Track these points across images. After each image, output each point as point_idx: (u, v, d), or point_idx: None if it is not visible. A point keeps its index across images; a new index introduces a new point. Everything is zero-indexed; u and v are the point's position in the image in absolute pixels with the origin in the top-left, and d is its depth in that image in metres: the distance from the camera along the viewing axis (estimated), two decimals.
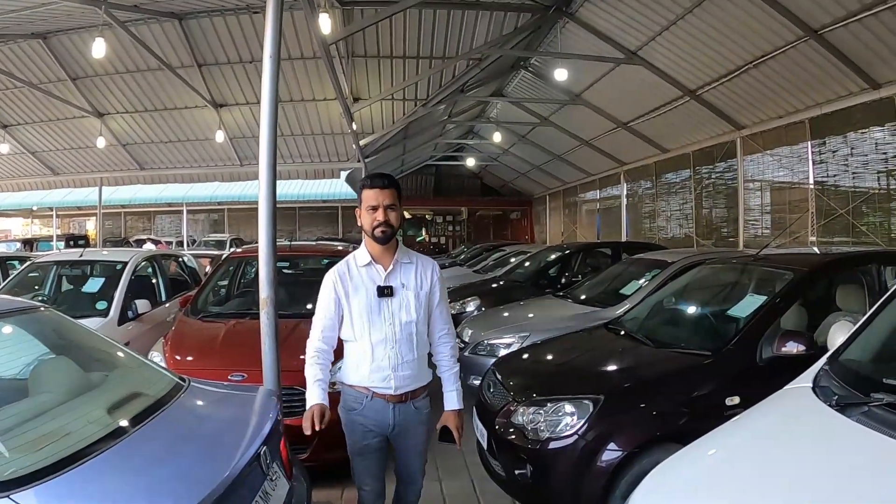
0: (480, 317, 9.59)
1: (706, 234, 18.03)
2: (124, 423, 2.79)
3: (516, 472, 4.53)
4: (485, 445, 5.04)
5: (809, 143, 13.28)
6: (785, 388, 3.04)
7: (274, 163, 4.23)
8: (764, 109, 14.14)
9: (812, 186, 13.33)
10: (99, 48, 12.86)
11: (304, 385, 5.46)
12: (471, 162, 34.55)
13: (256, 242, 4.34)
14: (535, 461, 4.42)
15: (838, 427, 2.47)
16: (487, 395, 5.38)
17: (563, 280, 11.84)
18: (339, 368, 3.79)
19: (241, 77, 18.04)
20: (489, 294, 11.56)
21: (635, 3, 12.72)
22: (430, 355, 3.83)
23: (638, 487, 2.81)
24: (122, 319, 7.72)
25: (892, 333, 3.07)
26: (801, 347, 4.37)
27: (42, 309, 3.76)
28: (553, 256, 13.31)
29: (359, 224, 3.69)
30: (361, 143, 19.39)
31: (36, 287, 9.12)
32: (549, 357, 6.00)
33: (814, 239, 13.14)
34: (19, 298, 4.03)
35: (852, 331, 3.14)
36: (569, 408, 4.42)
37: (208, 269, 11.90)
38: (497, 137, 25.74)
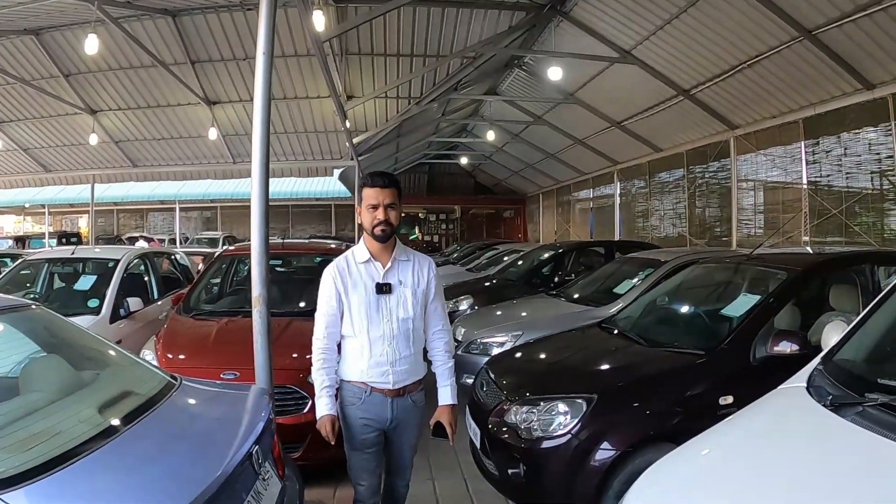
0: (473, 315, 9.57)
1: (699, 233, 18.05)
2: (116, 421, 2.77)
3: (509, 471, 4.53)
4: (478, 444, 5.03)
5: (803, 143, 13.30)
6: (779, 387, 3.04)
7: (267, 160, 4.22)
8: (758, 109, 14.16)
9: (805, 186, 13.35)
10: (92, 45, 12.79)
11: (296, 383, 5.51)
12: (464, 160, 34.58)
13: (249, 240, 4.32)
14: (529, 460, 4.41)
15: (833, 427, 2.47)
16: (480, 394, 5.37)
17: (557, 279, 11.85)
18: (338, 364, 3.81)
19: (234, 74, 17.98)
20: (482, 292, 11.55)
21: (630, 2, 12.72)
22: (425, 350, 3.88)
23: (632, 487, 2.80)
24: (114, 317, 7.68)
25: (886, 333, 3.07)
26: (795, 347, 4.37)
27: (33, 307, 3.73)
28: (546, 255, 13.33)
29: (358, 221, 3.76)
30: (355, 140, 19.37)
31: (28, 285, 9.09)
32: (543, 356, 6.00)
33: (807, 239, 13.17)
34: (10, 296, 4.00)
35: (846, 331, 3.14)
36: (562, 407, 4.41)
37: (201, 266, 11.86)
38: (491, 136, 25.74)
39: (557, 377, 5.22)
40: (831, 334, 3.29)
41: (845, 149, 12.28)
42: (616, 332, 5.86)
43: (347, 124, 17.75)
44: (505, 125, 25.03)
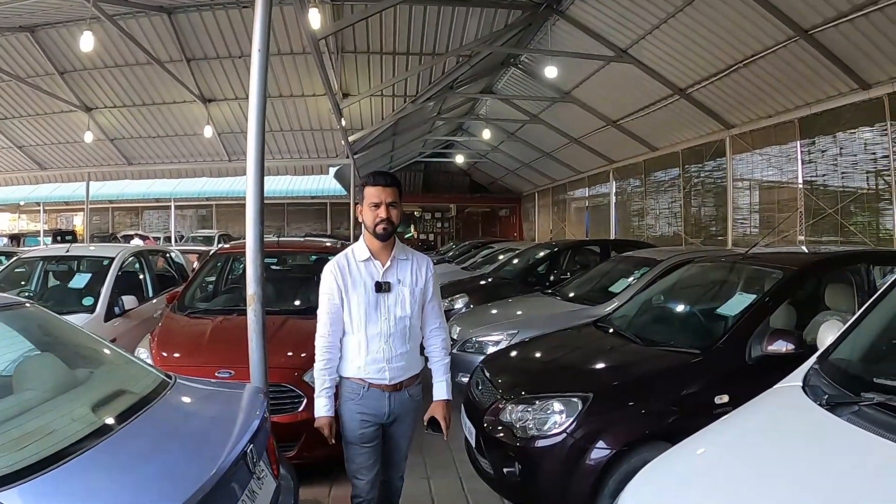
0: (469, 314, 9.57)
1: (695, 232, 18.08)
2: (110, 420, 2.76)
3: (505, 470, 4.52)
4: (473, 443, 5.02)
5: (799, 142, 13.34)
6: (775, 386, 3.03)
7: (262, 158, 4.21)
8: (753, 109, 14.19)
9: (801, 186, 13.38)
10: (87, 42, 12.74)
11: (291, 382, 5.51)
12: (460, 159, 34.59)
13: (244, 238, 4.31)
14: (524, 459, 4.40)
15: (829, 426, 2.46)
16: (476, 392, 5.36)
17: (552, 277, 11.83)
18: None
19: (229, 72, 17.98)
20: (478, 291, 11.53)
21: (626, 1, 12.75)
22: (422, 345, 3.94)
23: (627, 486, 2.80)
24: (109, 316, 7.65)
25: (882, 333, 3.06)
26: (791, 346, 4.37)
27: (27, 305, 3.72)
28: (542, 254, 13.31)
29: (359, 220, 3.78)
30: (350, 139, 19.37)
31: (22, 283, 9.06)
32: (538, 355, 6.00)
33: (802, 238, 13.19)
34: (4, 294, 3.99)
35: (842, 330, 3.14)
36: (557, 406, 4.40)
37: (196, 265, 11.84)
38: (486, 134, 25.82)
39: (553, 376, 5.21)
40: (827, 333, 3.29)
41: (841, 148, 12.32)
42: (611, 330, 5.86)
43: (343, 122, 17.76)
44: (501, 124, 25.08)
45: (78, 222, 40.57)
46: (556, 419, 4.36)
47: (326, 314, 3.73)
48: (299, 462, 4.96)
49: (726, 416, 3.08)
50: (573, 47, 15.33)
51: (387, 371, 3.69)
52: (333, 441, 3.74)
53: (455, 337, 8.04)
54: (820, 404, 2.60)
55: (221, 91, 19.09)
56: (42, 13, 14.73)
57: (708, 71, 13.67)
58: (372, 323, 3.68)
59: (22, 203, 37.86)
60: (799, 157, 13.38)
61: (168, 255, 11.38)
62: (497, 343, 7.54)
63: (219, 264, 8.76)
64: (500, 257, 16.07)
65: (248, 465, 2.86)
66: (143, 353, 6.06)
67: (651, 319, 6.21)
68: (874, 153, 11.52)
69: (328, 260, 3.86)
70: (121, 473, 2.45)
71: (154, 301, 9.05)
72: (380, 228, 3.66)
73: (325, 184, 33.35)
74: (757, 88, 13.29)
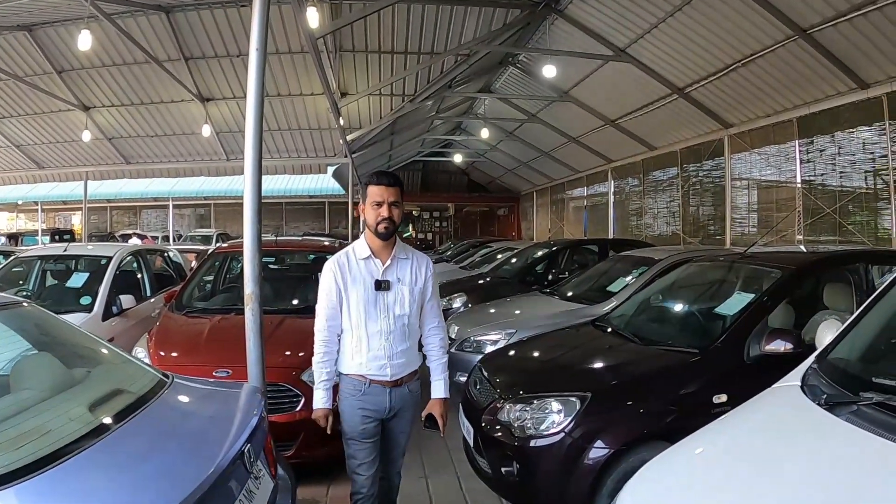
0: (467, 313, 9.56)
1: (693, 231, 18.08)
2: (107, 419, 2.75)
3: (503, 469, 4.52)
4: (471, 443, 5.02)
5: (797, 141, 13.34)
6: (773, 386, 3.03)
7: (260, 157, 4.20)
8: (752, 108, 14.18)
9: (799, 185, 13.38)
10: (85, 41, 12.72)
11: (289, 381, 5.51)
12: (458, 158, 34.57)
13: (242, 237, 4.31)
14: (522, 459, 4.40)
15: (828, 426, 2.46)
16: (474, 391, 5.36)
17: (550, 277, 11.85)
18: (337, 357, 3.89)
19: (227, 71, 17.96)
20: (476, 290, 11.54)
21: (625, 0, 12.72)
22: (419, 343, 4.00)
23: (626, 486, 2.80)
24: (107, 315, 7.65)
25: (880, 332, 3.06)
26: (789, 346, 4.38)
27: (25, 304, 3.71)
28: (540, 253, 13.32)
29: (361, 219, 3.88)
30: (349, 138, 19.34)
31: (20, 282, 9.05)
32: (536, 354, 6.00)
33: (800, 237, 13.19)
34: (2, 293, 3.98)
35: (841, 329, 3.14)
36: (555, 405, 4.40)
37: (194, 264, 11.83)
38: (485, 134, 25.81)
39: (551, 375, 5.21)
40: (825, 333, 3.29)
41: (839, 148, 12.32)
42: (610, 330, 5.86)
43: (341, 121, 17.75)
44: (499, 123, 25.06)
45: (76, 221, 40.59)
46: (554, 419, 4.36)
47: (325, 310, 3.79)
48: (297, 461, 4.96)
49: (725, 415, 3.08)
50: (572, 46, 15.33)
51: (388, 368, 3.75)
52: (329, 431, 3.80)
53: (453, 336, 8.03)
54: (819, 404, 2.60)
55: (219, 90, 19.07)
56: (40, 12, 14.71)
57: (706, 70, 13.66)
58: (372, 320, 3.73)
59: (20, 202, 37.87)
60: (797, 156, 13.38)
61: (166, 254, 11.38)
62: (495, 342, 7.53)
63: (217, 263, 8.75)
64: (499, 256, 16.08)
65: (245, 465, 2.85)
66: (140, 352, 6.06)
67: (649, 319, 6.22)
68: (872, 153, 11.52)
69: (326, 259, 3.90)
70: (118, 473, 2.44)
71: (152, 300, 9.05)
72: (381, 227, 3.72)
73: (323, 183, 33.37)
74: (755, 88, 13.29)
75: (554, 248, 13.32)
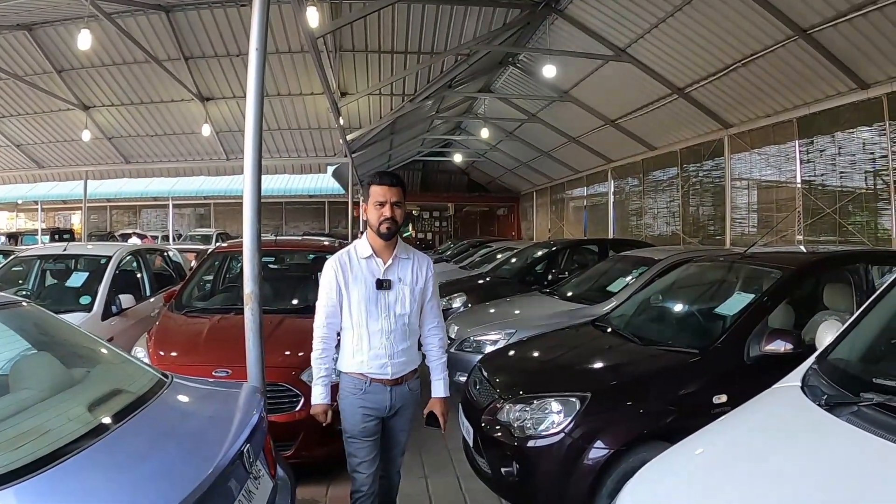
0: (467, 313, 9.56)
1: (693, 231, 18.08)
2: (106, 419, 2.74)
3: (502, 469, 4.51)
4: (471, 443, 5.02)
5: (797, 142, 13.34)
6: (773, 387, 3.03)
7: (259, 157, 4.20)
8: (752, 108, 14.18)
9: (799, 185, 13.38)
10: (84, 40, 12.74)
11: (288, 381, 5.52)
12: (458, 158, 34.57)
13: (242, 237, 4.31)
14: (522, 459, 4.40)
15: (828, 427, 2.46)
16: (473, 392, 5.36)
17: (550, 277, 11.83)
18: (336, 355, 3.92)
19: (227, 70, 17.96)
20: (475, 290, 11.53)
21: (625, 0, 12.72)
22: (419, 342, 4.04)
23: (625, 487, 2.79)
24: (106, 314, 7.64)
25: (881, 333, 3.06)
26: (789, 346, 4.37)
27: (24, 304, 3.71)
28: (540, 253, 13.31)
29: (364, 218, 3.92)
30: (348, 137, 19.35)
31: (20, 281, 9.06)
32: (536, 354, 5.99)
33: (800, 238, 13.19)
34: (1, 293, 3.98)
35: (841, 330, 3.13)
36: (555, 405, 4.40)
37: (193, 263, 11.82)
38: (484, 133, 25.80)
39: (551, 375, 5.21)
40: (826, 333, 3.28)
41: (839, 148, 12.32)
42: (610, 330, 5.85)
43: (341, 121, 17.76)
44: (499, 123, 25.06)
45: (76, 221, 40.60)
46: (553, 419, 4.35)
47: (324, 307, 3.83)
48: (296, 461, 4.96)
49: (725, 416, 3.07)
50: (572, 46, 15.33)
51: (389, 367, 3.78)
52: (328, 422, 3.86)
53: (453, 336, 8.03)
54: (819, 404, 2.60)
55: (219, 90, 19.07)
56: (40, 11, 14.71)
57: (706, 70, 13.66)
58: (373, 319, 3.77)
59: (20, 201, 37.85)
60: (797, 156, 13.38)
61: (166, 253, 11.38)
62: (495, 342, 7.53)
63: (216, 263, 8.74)
64: (498, 256, 16.07)
65: (244, 465, 2.85)
66: (140, 351, 6.06)
67: (649, 319, 6.21)
68: (872, 153, 11.52)
69: (326, 259, 3.91)
70: (117, 473, 2.44)
71: (151, 300, 9.04)
72: (384, 227, 3.75)
73: (322, 182, 33.38)
74: (755, 88, 13.28)
75: (554, 248, 13.31)
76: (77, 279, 8.36)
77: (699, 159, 17.45)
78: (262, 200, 4.30)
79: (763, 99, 13.54)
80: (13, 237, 27.03)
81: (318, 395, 3.84)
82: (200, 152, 23.22)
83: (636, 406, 4.41)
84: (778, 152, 14.13)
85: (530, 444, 4.38)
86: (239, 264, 8.37)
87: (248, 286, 4.18)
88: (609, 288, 8.60)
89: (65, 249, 9.20)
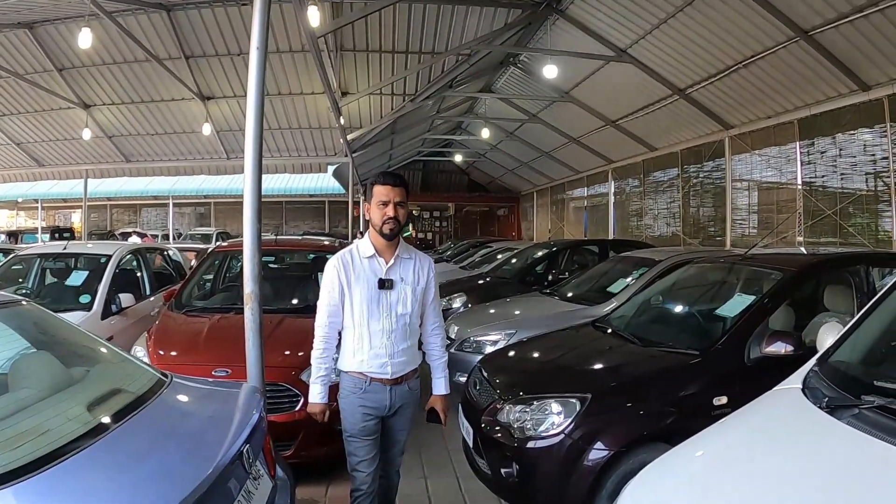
0: (467, 313, 9.55)
1: (693, 232, 18.08)
2: (106, 419, 2.74)
3: (502, 470, 4.50)
4: (470, 444, 5.01)
5: (798, 143, 13.34)
6: (774, 389, 3.02)
7: (260, 156, 4.20)
8: (753, 109, 14.18)
9: (800, 187, 13.38)
10: (85, 38, 12.72)
11: (288, 381, 5.51)
12: (458, 158, 34.61)
13: (242, 236, 4.31)
14: (521, 460, 4.39)
15: (829, 429, 2.45)
16: (473, 392, 5.35)
17: (550, 277, 11.81)
18: (336, 355, 3.94)
19: (228, 69, 17.97)
20: (476, 290, 11.52)
21: (626, 0, 12.72)
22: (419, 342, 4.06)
23: (625, 488, 2.79)
24: (106, 313, 7.63)
25: (882, 335, 3.05)
26: (790, 348, 4.36)
27: (23, 302, 3.70)
28: (540, 253, 13.30)
29: (366, 218, 3.91)
30: (349, 137, 19.35)
31: (20, 280, 9.05)
32: (536, 355, 5.98)
33: (801, 239, 13.19)
34: (1, 292, 3.97)
35: (842, 332, 3.13)
36: (555, 406, 4.39)
37: (194, 262, 11.82)
38: (485, 133, 25.80)
39: (551, 376, 5.19)
40: (826, 335, 3.28)
41: (840, 150, 12.32)
42: (610, 331, 5.84)
43: (342, 121, 17.75)
44: (499, 123, 25.07)
45: (76, 219, 40.59)
46: (553, 420, 4.35)
47: (326, 306, 3.84)
48: (296, 461, 4.96)
49: (726, 418, 3.07)
50: (573, 47, 15.32)
51: (389, 366, 3.79)
52: (325, 422, 3.91)
53: (453, 336, 8.02)
54: (820, 407, 2.59)
55: (220, 89, 19.09)
56: (41, 9, 14.72)
57: (707, 71, 13.65)
58: (374, 319, 3.78)
59: (20, 200, 37.83)
60: (798, 158, 13.38)
61: (166, 252, 11.37)
62: (495, 343, 7.52)
63: (216, 262, 8.73)
64: (499, 257, 16.06)
65: (244, 465, 2.85)
66: (139, 351, 6.05)
67: (649, 320, 6.21)
68: (873, 155, 11.52)
69: (326, 258, 3.92)
70: (117, 473, 2.43)
71: (151, 299, 9.02)
72: (387, 228, 3.76)
73: (323, 182, 33.41)
74: (756, 89, 13.28)
75: (554, 249, 13.30)
76: (77, 278, 8.35)
77: (700, 160, 17.45)
78: (263, 200, 4.30)
79: (764, 100, 13.54)
80: (13, 235, 27.04)
81: (316, 395, 3.86)
82: (201, 151, 23.25)
83: (636, 407, 4.41)
84: (779, 154, 14.13)
85: (530, 444, 4.37)
86: (239, 264, 8.36)
87: (249, 286, 4.18)
88: (609, 289, 8.58)
89: (65, 248, 9.20)
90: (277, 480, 3.31)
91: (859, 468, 2.22)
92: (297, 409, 5.38)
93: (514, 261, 13.77)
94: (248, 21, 4.72)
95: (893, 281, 3.18)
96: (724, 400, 4.29)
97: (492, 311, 9.05)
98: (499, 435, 4.59)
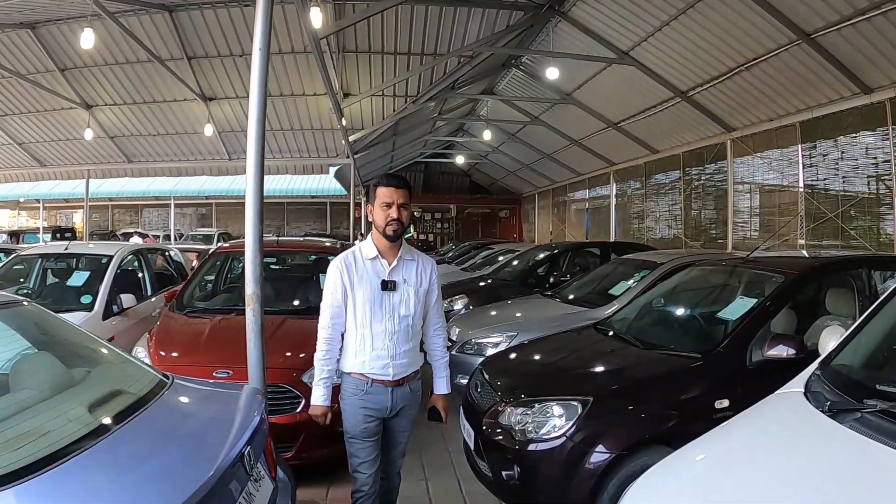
0: (468, 315, 9.54)
1: (695, 235, 18.08)
2: (107, 420, 2.73)
3: (503, 473, 4.49)
4: (472, 446, 5.00)
5: (800, 146, 13.34)
6: (776, 392, 3.02)
7: (262, 157, 4.20)
8: (755, 112, 14.18)
9: (802, 190, 13.38)
10: (87, 39, 12.74)
11: (289, 382, 5.51)
12: (460, 159, 34.54)
13: (244, 237, 4.31)
14: (523, 462, 4.38)
15: (831, 433, 2.45)
16: (475, 394, 5.34)
17: (552, 279, 11.81)
18: (339, 355, 3.93)
19: (230, 70, 17.99)
20: (477, 292, 11.50)
21: (628, 3, 12.74)
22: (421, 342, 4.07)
23: (627, 491, 2.79)
24: (107, 314, 7.62)
25: (884, 339, 3.05)
26: (792, 351, 4.35)
27: (25, 303, 3.70)
28: (541, 255, 13.30)
29: (370, 219, 3.92)
30: (351, 138, 19.36)
31: (21, 280, 9.04)
32: (537, 357, 5.97)
33: (803, 242, 13.19)
34: (2, 292, 3.97)
35: (844, 336, 3.12)
36: (557, 409, 4.39)
37: (195, 263, 11.82)
38: (487, 135, 25.79)
39: (552, 379, 5.18)
40: (828, 339, 3.27)
41: (842, 152, 12.32)
42: (611, 333, 5.84)
43: (343, 122, 17.74)
44: (501, 125, 25.07)
45: (77, 219, 40.60)
46: (555, 422, 4.34)
47: (329, 307, 3.83)
48: (297, 463, 4.96)
49: (727, 421, 3.06)
50: (575, 49, 15.33)
51: (391, 368, 3.79)
52: (327, 424, 3.91)
53: (454, 338, 8.02)
54: (822, 411, 2.59)
55: (222, 89, 19.10)
56: (43, 10, 14.74)
57: (709, 74, 13.66)
58: (377, 320, 3.77)
59: (21, 200, 37.87)
60: (800, 160, 13.39)
61: (167, 253, 11.37)
62: (496, 345, 7.51)
63: (218, 263, 8.73)
64: (500, 258, 16.05)
65: (245, 467, 2.84)
66: (140, 352, 6.05)
67: (651, 323, 6.20)
68: (875, 157, 11.52)
69: (327, 260, 3.92)
70: (118, 474, 2.43)
71: (152, 300, 9.03)
72: (390, 229, 3.79)
73: (325, 183, 33.42)
74: (758, 92, 13.28)
75: (555, 251, 13.28)
76: (78, 278, 8.34)
77: (702, 163, 17.45)
78: (265, 201, 4.30)
79: (766, 103, 13.54)
80: (15, 235, 27.09)
81: (319, 397, 3.84)
82: (203, 152, 23.27)
83: (638, 410, 4.40)
84: (781, 156, 14.12)
85: (531, 447, 4.37)
86: (240, 265, 8.35)
87: (250, 287, 4.18)
88: (611, 291, 8.57)
89: (66, 248, 9.19)
90: (278, 482, 3.30)
91: (861, 472, 2.22)
92: (299, 410, 5.38)
93: (515, 263, 13.76)
94: (251, 22, 4.73)
95: (895, 285, 3.17)
96: (725, 403, 4.28)
97: (493, 313, 9.04)
98: (500, 437, 4.58)
